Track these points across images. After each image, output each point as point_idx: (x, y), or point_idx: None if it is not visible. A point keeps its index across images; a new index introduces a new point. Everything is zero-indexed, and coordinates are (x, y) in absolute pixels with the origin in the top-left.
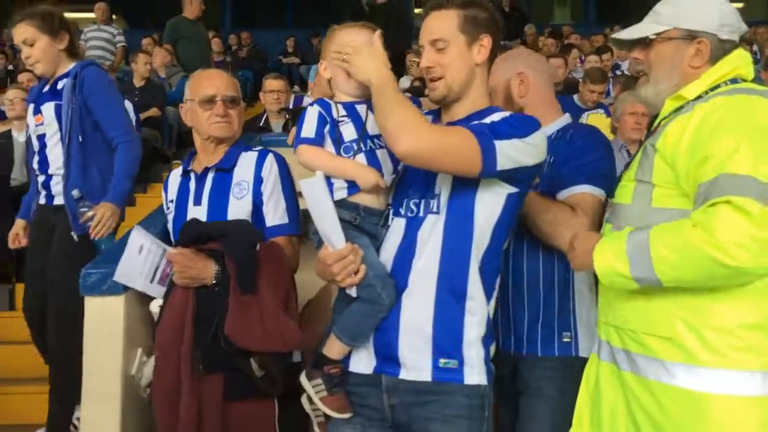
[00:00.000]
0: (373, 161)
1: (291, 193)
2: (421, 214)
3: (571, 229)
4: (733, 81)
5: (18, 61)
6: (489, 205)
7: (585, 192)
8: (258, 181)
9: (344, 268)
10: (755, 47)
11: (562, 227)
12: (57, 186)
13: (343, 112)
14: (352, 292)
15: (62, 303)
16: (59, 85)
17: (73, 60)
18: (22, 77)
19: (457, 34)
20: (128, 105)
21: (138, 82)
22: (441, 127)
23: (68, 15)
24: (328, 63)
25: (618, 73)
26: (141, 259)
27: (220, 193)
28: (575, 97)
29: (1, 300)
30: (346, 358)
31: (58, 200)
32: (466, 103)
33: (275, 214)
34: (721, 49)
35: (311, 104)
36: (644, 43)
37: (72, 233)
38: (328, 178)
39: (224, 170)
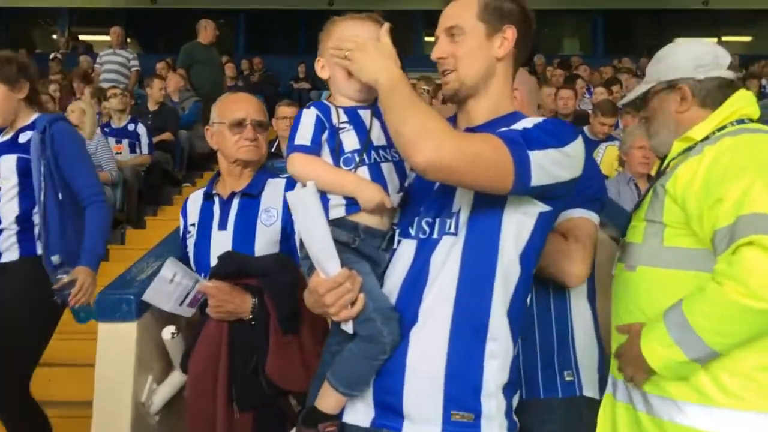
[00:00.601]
0: (377, 176)
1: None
2: (435, 235)
3: (571, 260)
4: (740, 121)
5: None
6: (517, 226)
7: (581, 217)
8: (286, 207)
9: (339, 299)
10: (763, 81)
11: (562, 259)
12: (5, 242)
13: (344, 117)
14: (348, 328)
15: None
16: (21, 138)
17: (34, 110)
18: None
19: (476, 21)
20: (142, 129)
21: (152, 106)
22: (465, 134)
23: (84, 38)
24: (326, 61)
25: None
26: (171, 287)
27: (247, 218)
28: (585, 128)
29: None
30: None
31: (6, 257)
32: (485, 104)
33: None
34: (704, 89)
35: (308, 106)
36: (644, 101)
37: (14, 298)
38: (323, 193)
39: (251, 195)
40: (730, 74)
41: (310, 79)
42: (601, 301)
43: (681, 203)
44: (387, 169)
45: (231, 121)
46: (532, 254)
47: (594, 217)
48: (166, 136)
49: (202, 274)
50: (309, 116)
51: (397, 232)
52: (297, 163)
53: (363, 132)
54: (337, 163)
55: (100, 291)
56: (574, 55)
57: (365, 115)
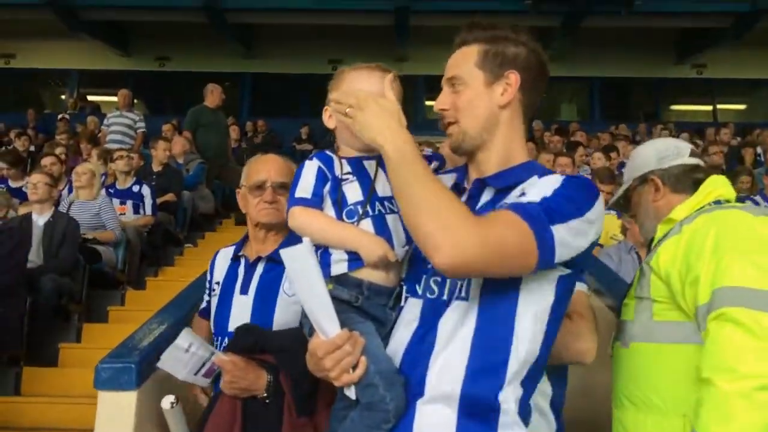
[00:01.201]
0: (381, 229)
1: None
2: (444, 296)
3: (582, 338)
4: (717, 202)
5: (41, 144)
6: (536, 291)
7: (577, 290)
8: None
9: (338, 362)
10: (759, 149)
11: (573, 341)
12: None
13: (347, 168)
14: (351, 393)
15: None
16: None
17: None
18: (46, 161)
19: (474, 71)
20: (146, 190)
21: (156, 167)
22: (483, 219)
23: (92, 98)
24: (332, 111)
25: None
26: (187, 357)
27: (270, 285)
28: None
29: (6, 384)
30: None
31: None
32: (494, 154)
33: None
34: (672, 175)
35: (310, 158)
36: (626, 200)
37: None
38: (324, 248)
39: (275, 261)
40: (692, 160)
41: (313, 140)
42: (599, 374)
43: (665, 279)
44: (392, 221)
45: (252, 183)
46: (553, 319)
47: (585, 287)
48: (170, 197)
49: (219, 339)
50: (310, 168)
51: (404, 288)
52: (297, 217)
53: (367, 183)
54: (339, 216)
55: (101, 359)
56: (571, 121)
57: (370, 165)
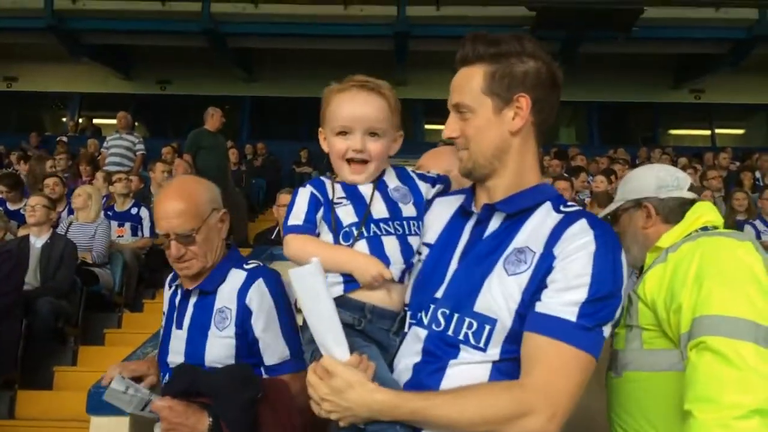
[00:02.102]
0: (377, 250)
1: (289, 321)
2: (450, 332)
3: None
4: (704, 229)
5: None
6: None
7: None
8: (244, 311)
9: None
10: (757, 174)
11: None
12: None
13: (341, 193)
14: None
15: None
16: None
17: None
18: (48, 181)
19: (480, 97)
20: (145, 212)
21: (155, 189)
22: (556, 375)
23: (97, 121)
24: (327, 134)
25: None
26: (127, 398)
27: (201, 320)
28: None
29: (1, 407)
30: None
31: None
32: (504, 180)
33: (274, 352)
34: (667, 207)
35: (303, 185)
36: (614, 218)
37: None
38: None
39: (207, 293)
40: (690, 195)
41: (312, 163)
42: (598, 401)
43: (651, 307)
44: (389, 242)
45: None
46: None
47: None
48: None
49: (162, 374)
50: (303, 195)
51: (408, 314)
52: (291, 244)
53: (361, 205)
54: (336, 240)
55: (93, 384)
56: (570, 145)
57: (365, 189)
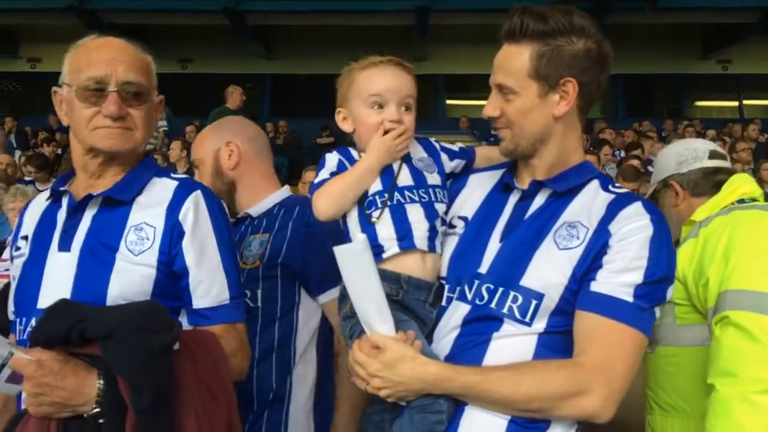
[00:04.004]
0: (400, 218)
1: (231, 254)
2: (494, 305)
3: None
4: (741, 201)
5: (66, 144)
6: None
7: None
8: (174, 231)
9: None
10: None
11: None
12: None
13: None
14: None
15: None
16: None
17: None
18: None
19: (526, 80)
20: None
21: (180, 169)
22: (611, 357)
23: None
24: (347, 113)
25: (650, 168)
26: None
27: (105, 238)
28: None
29: None
30: None
31: None
32: (548, 159)
33: (208, 291)
34: (690, 180)
35: (330, 151)
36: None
37: None
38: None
39: (117, 202)
40: (711, 162)
41: (334, 135)
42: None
43: (683, 281)
44: (413, 210)
45: (82, 83)
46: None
47: None
48: None
49: (22, 321)
50: (331, 159)
51: (447, 287)
52: (317, 198)
53: (388, 175)
54: (360, 209)
55: None
56: (596, 119)
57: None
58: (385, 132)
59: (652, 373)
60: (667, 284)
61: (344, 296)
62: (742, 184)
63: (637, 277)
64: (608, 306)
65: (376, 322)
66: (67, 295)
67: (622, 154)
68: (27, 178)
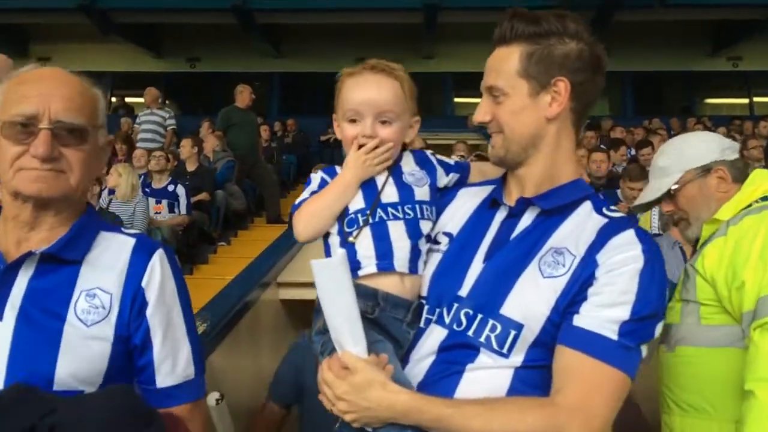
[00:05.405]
0: (381, 236)
1: (193, 320)
2: (471, 332)
3: None
4: (764, 198)
5: None
6: None
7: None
8: (135, 298)
9: None
10: None
11: None
12: None
13: None
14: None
15: None
16: None
17: None
18: None
19: (516, 80)
20: (181, 190)
21: (190, 167)
22: (594, 392)
23: (128, 100)
24: (339, 121)
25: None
26: None
27: (48, 304)
28: (618, 192)
29: None
30: None
31: None
32: (538, 170)
33: (173, 368)
34: (737, 168)
35: (314, 170)
36: (669, 195)
37: None
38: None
39: (61, 261)
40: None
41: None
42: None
43: (711, 282)
44: (395, 227)
45: (10, 118)
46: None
47: None
48: (204, 196)
49: None
50: (315, 179)
51: (426, 308)
52: (296, 219)
53: (372, 190)
54: (340, 227)
55: None
56: (603, 116)
57: (379, 174)
58: (360, 146)
59: (670, 372)
60: (656, 321)
61: (318, 311)
62: (763, 182)
63: (624, 312)
64: (590, 343)
65: (347, 341)
66: (2, 376)
67: (632, 152)
68: None
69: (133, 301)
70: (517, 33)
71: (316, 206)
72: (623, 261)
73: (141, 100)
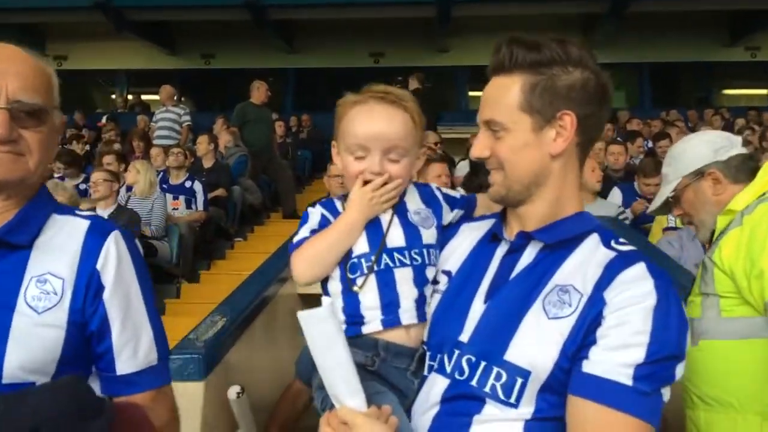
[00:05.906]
0: (388, 285)
1: (153, 303)
2: (474, 382)
3: None
4: None
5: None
6: None
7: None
8: (90, 282)
9: None
10: None
11: None
12: None
13: None
14: None
15: None
16: None
17: None
18: (107, 159)
19: (518, 114)
20: (198, 186)
21: (207, 163)
22: None
23: (145, 98)
24: (341, 151)
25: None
26: None
27: None
28: (635, 184)
29: None
30: None
31: None
32: (541, 207)
33: (134, 351)
34: (732, 167)
35: (312, 205)
36: (674, 201)
37: None
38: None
39: (11, 246)
40: (745, 150)
41: None
42: None
43: (729, 273)
44: (402, 275)
45: None
46: None
47: None
48: (220, 192)
49: None
50: (314, 215)
51: (427, 355)
52: (295, 260)
53: (376, 232)
54: (343, 273)
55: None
56: (620, 108)
57: (384, 214)
58: (366, 182)
59: (694, 366)
60: (676, 362)
61: (315, 365)
62: None
63: (638, 355)
64: (603, 391)
65: (344, 395)
66: None
67: (650, 144)
68: (56, 174)
69: (87, 285)
70: (518, 61)
71: (318, 248)
72: (633, 298)
73: (156, 97)
